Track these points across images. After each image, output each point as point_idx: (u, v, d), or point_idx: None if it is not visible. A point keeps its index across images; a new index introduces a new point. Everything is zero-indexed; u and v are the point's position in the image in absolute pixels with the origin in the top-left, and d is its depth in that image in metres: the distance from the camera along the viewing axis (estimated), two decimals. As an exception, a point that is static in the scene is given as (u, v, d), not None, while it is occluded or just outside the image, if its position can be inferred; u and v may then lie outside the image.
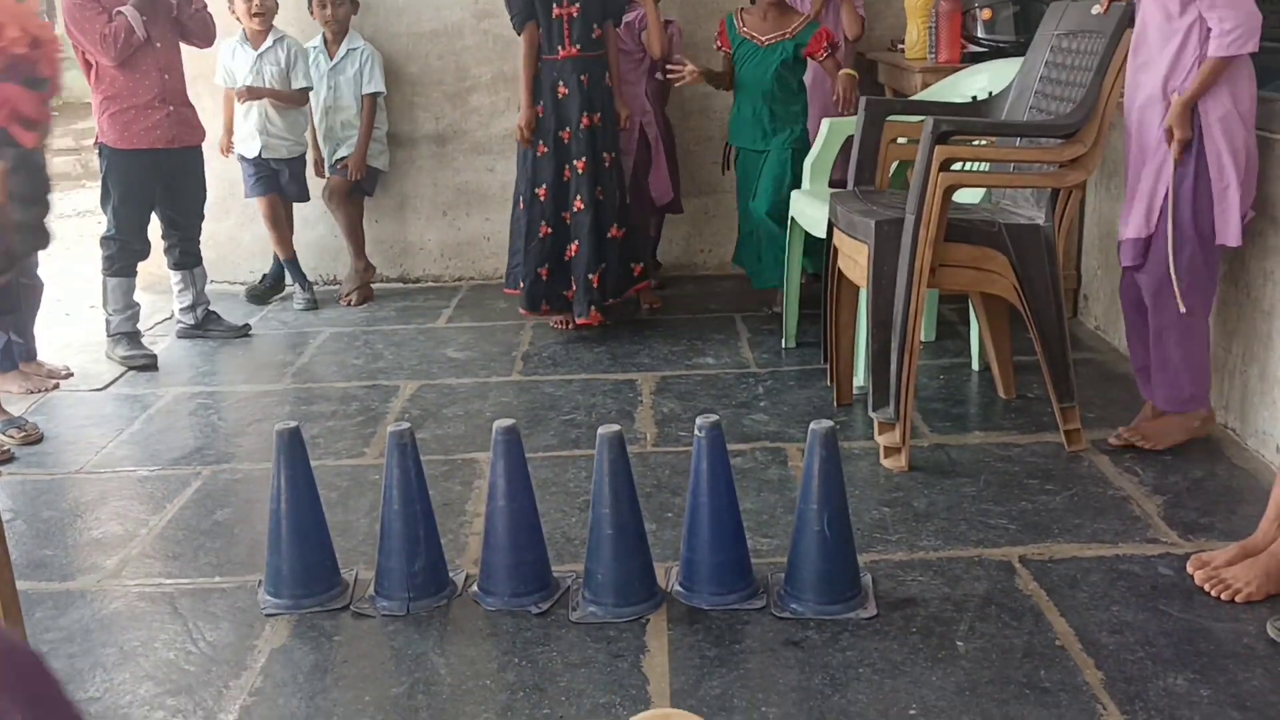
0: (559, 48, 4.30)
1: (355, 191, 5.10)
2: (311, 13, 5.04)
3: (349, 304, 5.10)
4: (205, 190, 4.57)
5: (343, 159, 5.06)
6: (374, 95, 5.07)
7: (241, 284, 5.38)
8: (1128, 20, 3.11)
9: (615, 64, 4.43)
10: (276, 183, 5.06)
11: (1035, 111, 3.40)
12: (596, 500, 2.46)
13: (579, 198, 4.35)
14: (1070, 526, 2.80)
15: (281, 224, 5.12)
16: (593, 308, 4.36)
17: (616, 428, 2.46)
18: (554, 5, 4.25)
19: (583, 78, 4.31)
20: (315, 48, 5.08)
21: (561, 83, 4.32)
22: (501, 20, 5.16)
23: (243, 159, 5.02)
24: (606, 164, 4.39)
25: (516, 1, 4.29)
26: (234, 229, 5.40)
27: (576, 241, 4.37)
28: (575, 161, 4.34)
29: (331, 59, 5.06)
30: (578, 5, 4.26)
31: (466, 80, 5.31)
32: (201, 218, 4.58)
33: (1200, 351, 3.08)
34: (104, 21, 4.12)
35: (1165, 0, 2.93)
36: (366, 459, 3.37)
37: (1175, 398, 3.13)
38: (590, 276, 4.36)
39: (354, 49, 5.06)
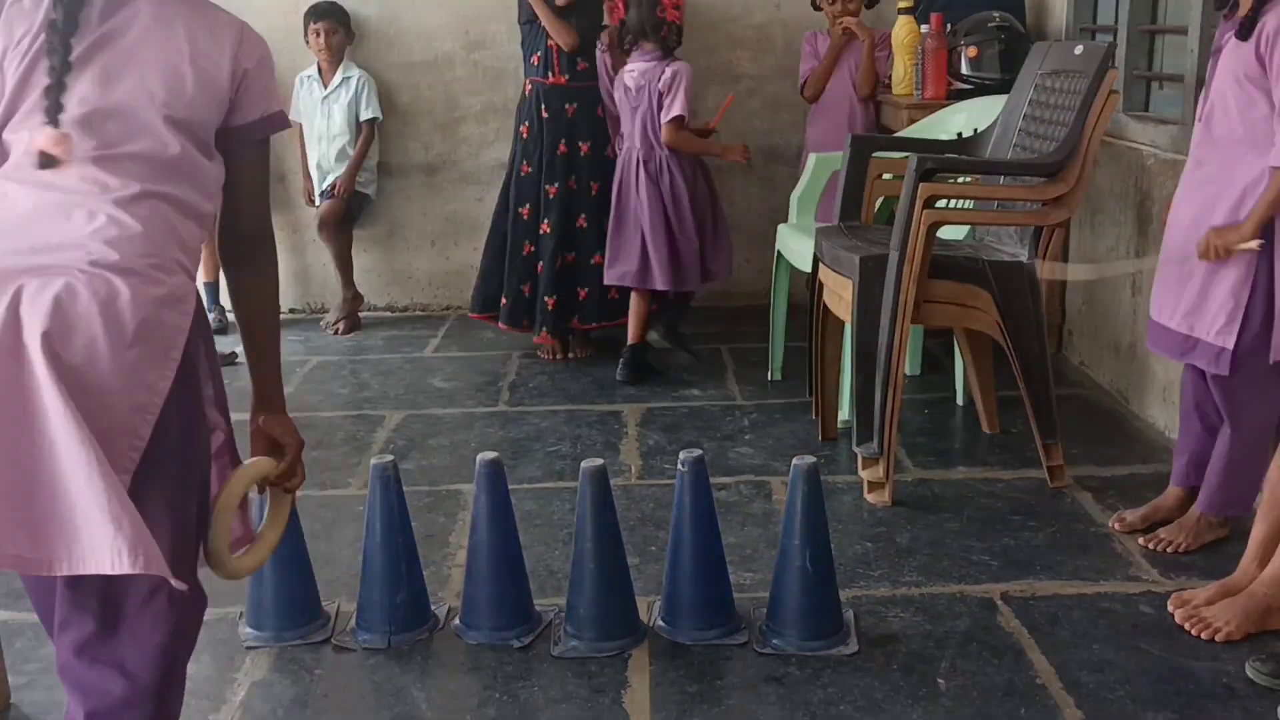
0: (549, 74, 4.39)
1: (345, 220, 5.11)
2: (306, 42, 5.07)
3: (336, 333, 5.11)
4: None
5: (334, 185, 5.08)
6: (371, 121, 5.13)
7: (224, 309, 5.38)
8: (1109, 60, 3.15)
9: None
10: None
11: (1019, 149, 3.43)
12: (579, 534, 2.46)
13: (546, 221, 4.44)
14: (1052, 564, 2.81)
15: (214, 249, 5.12)
16: (545, 329, 4.51)
17: (600, 462, 2.46)
18: (548, 35, 4.36)
19: (568, 106, 4.40)
20: (309, 76, 5.12)
21: (545, 106, 4.40)
22: (491, 52, 5.22)
23: None
24: (594, 192, 4.46)
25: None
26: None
27: (541, 262, 4.47)
28: (547, 187, 4.43)
29: (326, 87, 5.09)
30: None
31: (456, 111, 5.34)
32: None
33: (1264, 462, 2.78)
34: None
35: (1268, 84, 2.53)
36: (351, 489, 3.37)
37: (1228, 504, 2.86)
38: (546, 299, 4.47)
39: (349, 76, 5.10)
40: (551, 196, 4.43)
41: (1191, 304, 2.70)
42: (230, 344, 4.91)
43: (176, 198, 1.69)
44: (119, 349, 1.56)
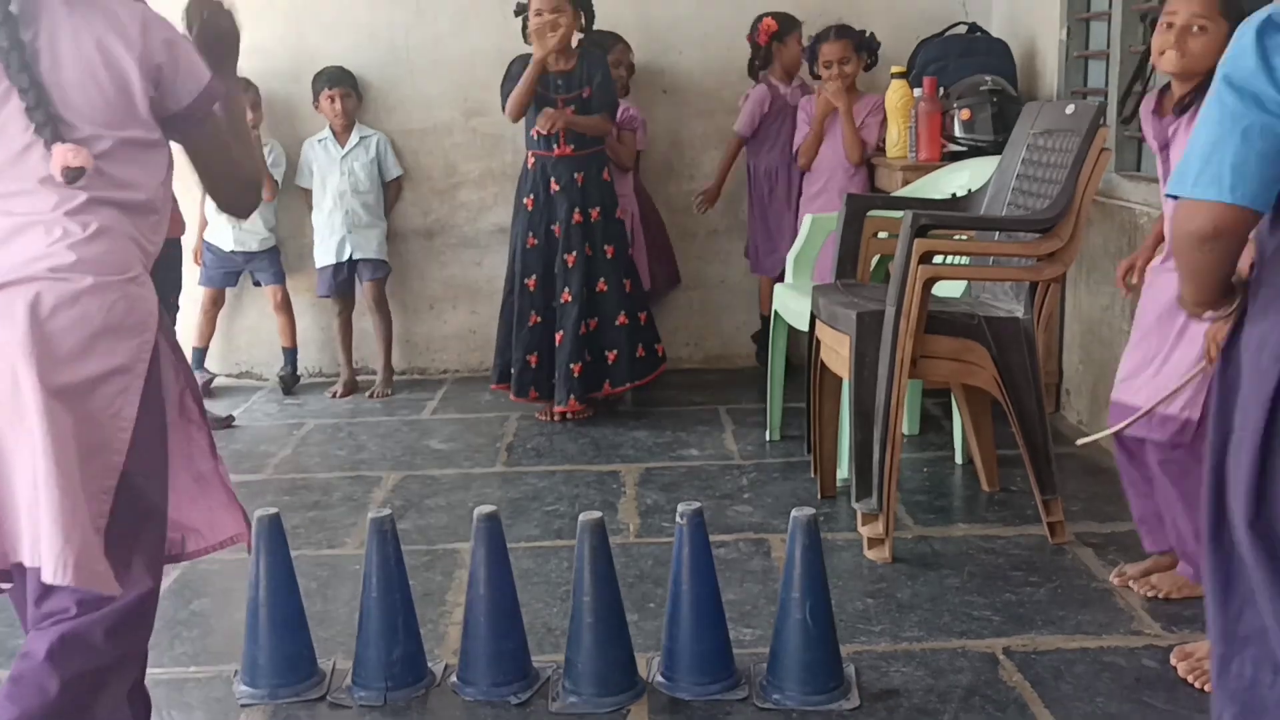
0: (554, 146, 4.40)
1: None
2: (317, 106, 5.12)
3: (334, 396, 5.11)
4: (180, 283, 4.49)
5: (366, 259, 5.13)
6: (399, 179, 5.29)
7: (240, 376, 5.40)
8: (1100, 118, 3.19)
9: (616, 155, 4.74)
10: (232, 280, 5.23)
11: (1013, 208, 3.46)
12: (577, 588, 2.45)
13: (567, 290, 4.43)
14: (1054, 618, 2.79)
15: (211, 316, 5.22)
16: (571, 396, 4.45)
17: (598, 515, 2.45)
18: (548, 106, 4.35)
19: (577, 175, 4.42)
20: (321, 140, 5.16)
21: (554, 179, 4.41)
22: (490, 119, 5.27)
23: (210, 249, 5.11)
24: (609, 255, 4.48)
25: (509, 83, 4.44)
26: (254, 319, 5.44)
27: (561, 331, 4.44)
28: (565, 255, 4.43)
29: (343, 147, 5.14)
30: (572, 108, 4.36)
31: (455, 176, 5.39)
32: (176, 309, 4.51)
33: None
34: None
35: None
36: (347, 549, 3.35)
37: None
38: (571, 366, 4.44)
39: (366, 136, 5.17)
40: (570, 265, 4.43)
41: (1153, 379, 2.68)
42: (226, 407, 4.93)
43: (119, 199, 1.82)
44: (92, 339, 1.72)
